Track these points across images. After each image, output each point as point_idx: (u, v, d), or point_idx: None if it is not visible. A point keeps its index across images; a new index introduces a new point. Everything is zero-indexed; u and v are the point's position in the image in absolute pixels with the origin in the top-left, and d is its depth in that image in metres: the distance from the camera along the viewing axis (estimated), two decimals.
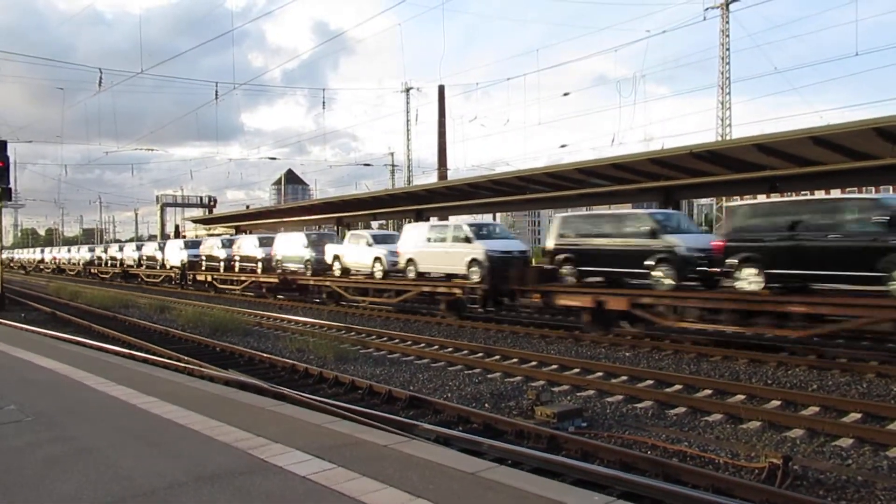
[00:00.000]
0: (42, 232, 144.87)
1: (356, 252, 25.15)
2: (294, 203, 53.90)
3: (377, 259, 23.76)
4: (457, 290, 19.68)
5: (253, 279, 30.82)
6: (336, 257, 26.11)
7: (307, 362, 12.95)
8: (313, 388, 11.02)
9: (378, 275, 23.65)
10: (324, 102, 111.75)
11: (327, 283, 25.94)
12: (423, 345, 15.38)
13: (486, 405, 9.73)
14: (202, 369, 11.64)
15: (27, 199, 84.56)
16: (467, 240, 19.71)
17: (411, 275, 21.38)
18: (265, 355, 13.81)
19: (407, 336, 16.55)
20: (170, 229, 70.99)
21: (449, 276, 20.45)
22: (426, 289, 20.88)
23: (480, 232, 20.16)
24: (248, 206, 63.96)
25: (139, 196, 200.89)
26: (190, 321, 19.46)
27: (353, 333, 17.55)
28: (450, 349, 14.69)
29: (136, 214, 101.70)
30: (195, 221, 62.57)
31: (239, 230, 43.78)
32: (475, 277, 19.04)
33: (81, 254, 60.39)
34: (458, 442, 7.31)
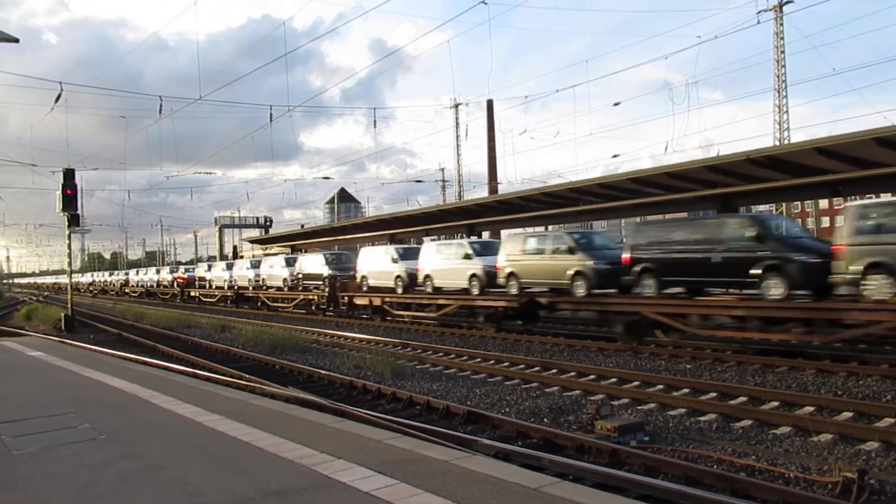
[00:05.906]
0: (107, 256, 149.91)
1: (271, 270, 35.87)
2: (348, 221, 54.46)
3: (284, 279, 33.92)
4: (315, 297, 29.72)
5: (221, 293, 42.45)
6: (263, 277, 36.54)
7: (365, 378, 13.08)
8: (372, 404, 11.12)
9: (285, 288, 33.81)
10: (375, 122, 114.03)
11: (259, 296, 36.58)
12: (479, 359, 15.36)
13: (545, 420, 9.66)
14: (263, 387, 11.86)
15: (94, 224, 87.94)
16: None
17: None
18: (323, 372, 14.01)
19: (463, 351, 16.54)
20: (228, 250, 72.82)
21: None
22: (303, 296, 31.00)
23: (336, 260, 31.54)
24: (302, 226, 65.00)
25: (200, 218, 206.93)
26: (250, 340, 19.89)
27: (409, 349, 17.66)
28: (506, 363, 14.62)
29: (196, 236, 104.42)
30: (251, 242, 63.92)
31: (294, 249, 45.08)
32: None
33: (118, 277, 75.51)
34: (519, 457, 7.27)
